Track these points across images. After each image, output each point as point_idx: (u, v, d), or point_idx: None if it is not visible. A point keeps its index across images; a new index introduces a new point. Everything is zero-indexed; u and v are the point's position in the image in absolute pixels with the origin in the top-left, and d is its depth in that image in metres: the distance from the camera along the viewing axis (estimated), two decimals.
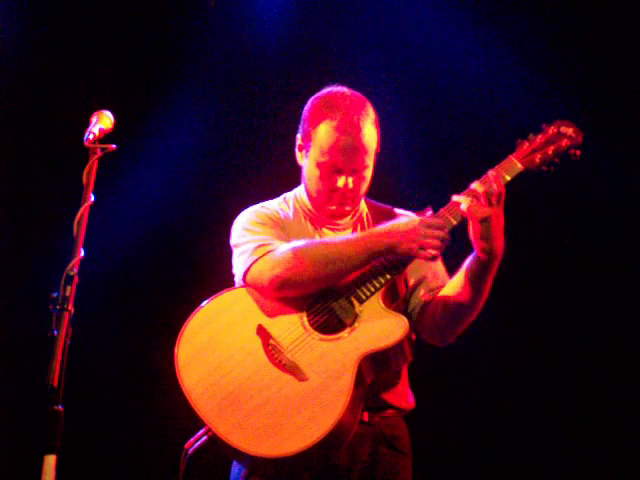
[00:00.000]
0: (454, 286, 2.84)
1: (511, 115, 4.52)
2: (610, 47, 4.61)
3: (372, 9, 4.89)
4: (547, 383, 4.66)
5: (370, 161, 2.89)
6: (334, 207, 2.93)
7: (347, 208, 2.95)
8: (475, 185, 2.69)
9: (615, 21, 4.62)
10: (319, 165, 2.88)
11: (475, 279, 2.76)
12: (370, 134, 2.88)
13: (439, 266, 2.97)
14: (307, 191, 2.98)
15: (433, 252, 2.68)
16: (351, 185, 2.87)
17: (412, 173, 4.70)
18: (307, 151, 2.93)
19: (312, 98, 2.98)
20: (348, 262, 2.72)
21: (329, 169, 2.86)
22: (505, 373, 4.65)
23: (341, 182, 2.87)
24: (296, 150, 3.00)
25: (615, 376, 4.61)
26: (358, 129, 2.84)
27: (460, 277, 2.82)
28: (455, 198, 2.72)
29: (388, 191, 3.38)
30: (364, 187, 2.93)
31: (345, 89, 2.96)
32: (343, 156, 2.84)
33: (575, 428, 4.61)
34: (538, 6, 4.70)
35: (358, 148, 2.84)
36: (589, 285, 4.67)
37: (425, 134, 4.78)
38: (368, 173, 2.91)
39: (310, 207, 2.99)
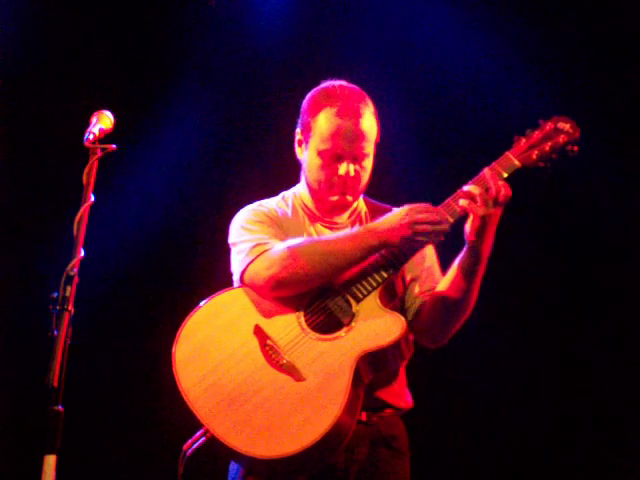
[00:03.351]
0: (445, 284, 2.83)
1: (509, 111, 4.52)
2: (609, 44, 4.61)
3: (372, 7, 4.89)
4: (546, 383, 4.66)
5: (370, 149, 2.88)
6: (336, 197, 2.90)
7: (349, 198, 2.91)
8: (471, 187, 2.67)
9: (616, 20, 4.63)
10: (320, 153, 2.86)
11: (464, 276, 2.75)
12: (370, 122, 2.87)
13: (435, 266, 2.96)
14: (308, 184, 2.95)
15: (425, 238, 2.66)
16: (352, 173, 2.85)
17: (411, 172, 4.70)
18: (307, 142, 2.91)
19: (310, 92, 2.98)
20: (343, 258, 2.71)
21: (330, 157, 2.85)
22: (504, 372, 4.65)
23: (342, 169, 2.84)
24: (295, 146, 2.98)
25: (614, 375, 4.61)
26: (358, 115, 2.83)
27: (450, 275, 2.81)
28: (465, 188, 2.69)
29: (388, 191, 3.38)
30: (365, 177, 2.90)
31: (343, 82, 2.96)
32: (344, 142, 2.82)
33: (575, 428, 4.62)
34: (538, 4, 4.71)
35: (358, 134, 2.83)
36: (587, 283, 4.67)
37: (424, 132, 4.78)
38: (368, 163, 2.89)
39: (310, 204, 2.97)
